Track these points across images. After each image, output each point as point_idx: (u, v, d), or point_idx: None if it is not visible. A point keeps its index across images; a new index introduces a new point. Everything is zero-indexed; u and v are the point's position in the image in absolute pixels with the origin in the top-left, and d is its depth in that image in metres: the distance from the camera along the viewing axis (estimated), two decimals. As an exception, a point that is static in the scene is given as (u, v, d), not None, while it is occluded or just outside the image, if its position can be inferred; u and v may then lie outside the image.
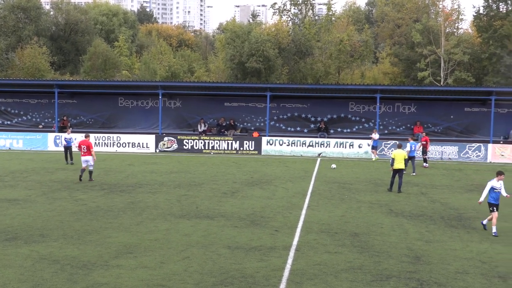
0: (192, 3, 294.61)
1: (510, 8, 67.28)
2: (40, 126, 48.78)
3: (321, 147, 43.64)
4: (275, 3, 76.04)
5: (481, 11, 68.99)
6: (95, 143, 42.84)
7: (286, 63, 68.18)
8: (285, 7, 75.51)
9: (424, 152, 37.58)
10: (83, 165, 28.32)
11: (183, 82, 58.86)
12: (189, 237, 16.83)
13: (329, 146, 43.56)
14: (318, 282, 13.00)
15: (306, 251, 15.53)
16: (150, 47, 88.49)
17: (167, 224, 18.50)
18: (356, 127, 47.17)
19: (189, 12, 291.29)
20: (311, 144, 43.76)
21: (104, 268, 13.72)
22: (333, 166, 35.65)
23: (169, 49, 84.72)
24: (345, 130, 47.17)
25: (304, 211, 21.14)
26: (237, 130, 46.97)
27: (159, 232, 17.37)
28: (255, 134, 45.74)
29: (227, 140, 44.20)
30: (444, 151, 42.60)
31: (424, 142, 37.65)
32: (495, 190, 18.21)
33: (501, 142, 44.21)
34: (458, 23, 72.46)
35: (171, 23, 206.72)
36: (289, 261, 14.56)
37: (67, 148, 35.71)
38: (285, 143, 43.85)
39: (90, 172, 28.38)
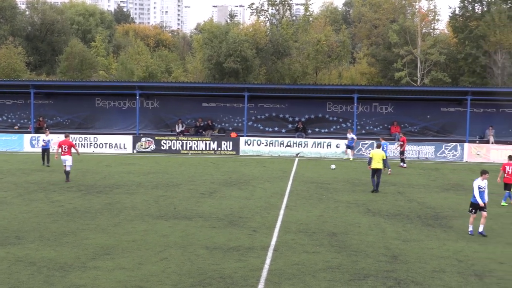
0: (170, 3, 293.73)
1: (485, 9, 67.98)
2: (16, 127, 48.30)
3: (299, 147, 43.74)
4: (252, 4, 75.96)
5: (457, 12, 69.62)
6: (72, 144, 42.49)
7: (263, 63, 68.18)
8: (262, 8, 75.55)
9: (401, 152, 37.90)
10: (63, 163, 28.43)
11: (161, 82, 58.64)
12: (167, 238, 16.78)
13: (307, 146, 43.68)
14: (296, 282, 13.03)
15: (284, 251, 15.56)
16: (127, 47, 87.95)
17: (145, 225, 18.42)
18: (334, 127, 47.35)
19: (166, 12, 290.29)
20: (289, 144, 43.84)
21: (81, 269, 13.63)
22: (333, 166, 35.69)
23: (146, 49, 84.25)
24: (322, 130, 47.34)
25: (282, 211, 21.16)
26: (215, 131, 46.92)
27: (137, 233, 17.30)
28: (233, 135, 45.71)
29: (205, 140, 44.12)
30: (420, 151, 42.91)
31: (401, 143, 37.97)
32: (480, 190, 18.09)
33: (477, 142, 44.64)
34: (435, 23, 73.00)
35: (148, 23, 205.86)
36: (267, 261, 14.58)
37: (45, 150, 35.38)
38: (263, 143, 43.89)
39: (67, 173, 28.22)
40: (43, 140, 36.02)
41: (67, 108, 48.70)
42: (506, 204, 23.48)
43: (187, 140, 44.18)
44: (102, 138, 44.52)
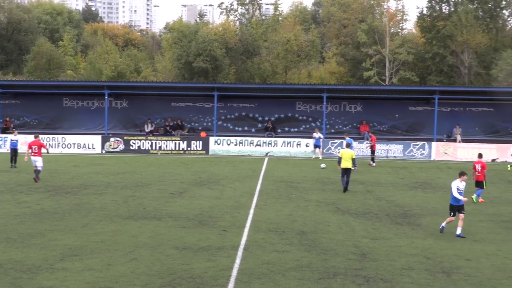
0: (138, 2, 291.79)
1: (452, 9, 68.79)
2: (-18, 128, 47.62)
3: (268, 146, 43.80)
4: (222, 3, 75.98)
5: (424, 12, 70.37)
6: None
7: (233, 63, 68.16)
8: (232, 7, 75.59)
9: (372, 151, 38.13)
10: (33, 164, 28.32)
11: (130, 82, 58.29)
12: (137, 238, 16.69)
13: (276, 146, 43.76)
14: (266, 281, 13.04)
15: (254, 251, 15.57)
16: (96, 47, 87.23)
17: (114, 226, 18.30)
18: (303, 126, 47.52)
19: (135, 11, 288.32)
20: (258, 143, 43.88)
21: (49, 271, 13.49)
22: (323, 165, 35.77)
23: (115, 48, 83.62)
24: (292, 130, 47.48)
25: (252, 211, 21.18)
26: (184, 130, 46.77)
27: (106, 234, 17.17)
28: (203, 134, 45.61)
29: (175, 140, 43.95)
30: (389, 150, 43.25)
31: (372, 142, 38.19)
32: (459, 191, 17.89)
33: (445, 140, 45.19)
34: (403, 23, 73.67)
35: (117, 22, 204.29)
36: (237, 260, 14.57)
37: (14, 150, 34.89)
38: (232, 142, 43.85)
39: (38, 172, 28.06)
40: (11, 140, 35.55)
41: (34, 108, 48.12)
42: (475, 201, 23.82)
43: (156, 140, 43.97)
44: (70, 138, 44.08)
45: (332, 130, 46.68)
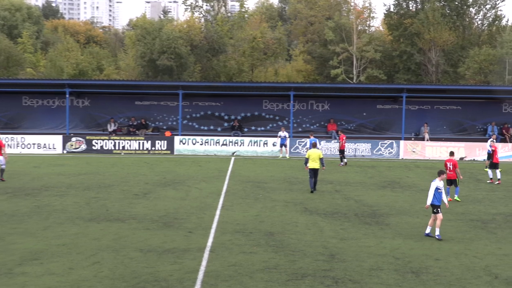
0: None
1: (419, 7, 69.50)
2: None
3: (235, 146, 43.76)
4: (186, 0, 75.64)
5: (391, 10, 70.92)
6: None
7: (198, 61, 67.93)
8: (197, 3, 75.27)
9: (341, 150, 38.14)
10: None
11: (92, 80, 57.77)
12: (99, 241, 16.51)
13: (243, 145, 43.73)
14: (233, 283, 12.99)
15: (221, 252, 15.51)
16: (56, 44, 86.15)
17: (76, 228, 18.08)
18: (270, 125, 47.57)
19: (97, 7, 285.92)
20: (224, 143, 43.80)
21: (8, 276, 13.25)
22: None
23: (76, 46, 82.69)
24: (259, 129, 47.50)
25: (218, 212, 21.12)
26: (148, 130, 46.49)
27: (67, 237, 16.95)
28: (167, 134, 45.38)
29: (138, 140, 43.65)
30: (357, 148, 43.52)
31: (342, 141, 38.25)
32: (438, 191, 17.78)
33: (413, 139, 45.64)
34: (370, 21, 74.19)
35: (79, 19, 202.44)
36: (204, 263, 14.50)
37: None
38: (198, 142, 43.71)
39: (2, 171, 27.81)
40: None
41: (-8, 107, 47.41)
42: (459, 200, 24.13)
43: (119, 139, 43.61)
44: (30, 138, 43.49)
45: (300, 129, 46.82)
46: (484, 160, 39.82)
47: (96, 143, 43.38)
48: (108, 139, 43.57)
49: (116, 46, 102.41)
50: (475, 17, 72.35)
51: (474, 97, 46.76)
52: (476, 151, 42.47)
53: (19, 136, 43.53)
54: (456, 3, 68.87)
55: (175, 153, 43.31)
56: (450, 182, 24.27)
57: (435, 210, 17.72)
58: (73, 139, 43.48)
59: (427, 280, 13.53)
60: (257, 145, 43.70)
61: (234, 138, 44.22)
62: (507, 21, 74.65)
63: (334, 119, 46.86)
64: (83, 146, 43.32)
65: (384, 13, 72.20)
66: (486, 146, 37.10)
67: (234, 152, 43.43)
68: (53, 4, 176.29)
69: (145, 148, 43.48)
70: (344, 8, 75.80)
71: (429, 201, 17.74)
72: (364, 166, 37.52)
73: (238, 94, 47.21)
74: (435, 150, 43.00)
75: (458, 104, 47.67)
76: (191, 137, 44.03)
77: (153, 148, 43.47)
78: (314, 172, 26.13)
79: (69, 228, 18.15)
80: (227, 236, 17.32)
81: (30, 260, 14.54)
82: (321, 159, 26.14)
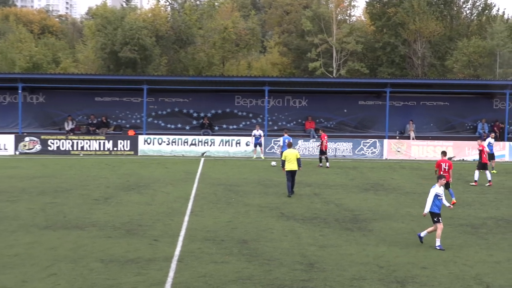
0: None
1: (404, -5, 69.95)
2: None
3: (204, 145, 43.69)
4: (151, -14, 75.40)
5: (374, -3, 71.35)
6: None
7: (164, 53, 67.71)
8: (162, -10, 74.99)
9: (322, 151, 38.06)
10: None
11: (47, 74, 57.29)
12: (56, 251, 16.39)
13: (213, 145, 43.69)
14: (203, 296, 12.97)
15: (190, 262, 15.47)
16: (8, 34, 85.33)
17: (30, 237, 17.93)
18: (243, 123, 47.61)
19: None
20: (193, 142, 43.73)
21: (-46, 290, 13.12)
22: (273, 163, 36.14)
23: (30, 36, 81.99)
24: (231, 127, 47.53)
25: (187, 218, 21.09)
26: (110, 128, 46.28)
27: (20, 246, 16.81)
28: (131, 133, 45.20)
29: (99, 139, 43.42)
30: (337, 148, 43.70)
31: (323, 141, 38.23)
32: (438, 198, 17.65)
33: (397, 138, 45.93)
34: (351, 10, 74.64)
35: (32, 7, 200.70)
36: (171, 273, 14.46)
37: None
38: (164, 142, 43.59)
39: None
40: None
41: None
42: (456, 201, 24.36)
43: (78, 139, 43.34)
44: (-21, 138, 43.14)
45: (275, 127, 46.87)
46: (474, 160, 40.14)
47: (52, 143, 43.06)
48: (65, 139, 43.27)
49: (74, 37, 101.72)
50: (464, 6, 73.07)
51: (463, 92, 47.21)
52: (466, 151, 42.88)
53: (-34, 136, 43.16)
54: (443, -10, 69.48)
55: (139, 154, 43.16)
56: (447, 185, 24.08)
57: (435, 219, 17.60)
58: (27, 139, 43.14)
59: (413, 290, 13.63)
60: (229, 145, 43.68)
61: (203, 138, 44.16)
62: (497, 11, 75.27)
63: (312, 117, 47.01)
64: (38, 147, 42.99)
65: (366, 2, 72.58)
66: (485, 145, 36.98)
67: (204, 153, 43.38)
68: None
69: (106, 149, 43.26)
70: (323, -5, 76.03)
71: (427, 209, 17.60)
72: (345, 167, 37.67)
73: (208, 89, 47.14)
74: (421, 150, 43.35)
75: (446, 99, 48.12)
76: (157, 137, 43.89)
77: (115, 149, 43.27)
78: (292, 174, 26.12)
79: (22, 236, 18.00)
80: (197, 244, 17.28)
81: (-21, 272, 14.40)
82: (298, 160, 26.15)
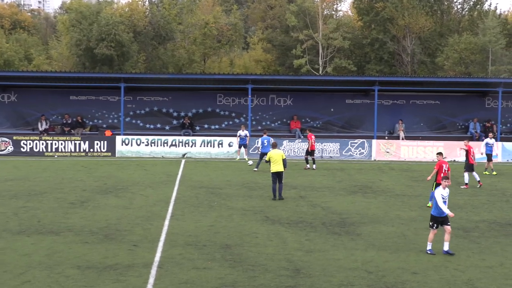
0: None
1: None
2: None
3: (185, 146, 43.66)
4: (128, -21, 75.17)
5: (361, -8, 71.60)
6: None
7: (143, 49, 67.59)
8: (140, -16, 74.83)
9: (309, 152, 38.01)
10: None
11: (19, 71, 56.91)
12: (30, 257, 16.34)
13: (195, 146, 43.66)
14: (185, 303, 13.00)
15: (171, 268, 15.48)
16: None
17: (2, 243, 17.87)
18: (226, 122, 47.60)
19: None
20: (174, 143, 43.68)
21: None
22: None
23: (0, 32, 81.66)
24: (213, 127, 47.50)
25: (167, 222, 21.08)
26: (85, 129, 46.13)
27: (-8, 253, 16.77)
28: (108, 133, 45.07)
29: (74, 140, 43.28)
30: (324, 149, 43.78)
31: (311, 141, 38.20)
32: (443, 199, 17.61)
33: (386, 138, 46.03)
34: (337, 4, 74.94)
35: (2, 0, 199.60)
36: (151, 280, 14.47)
37: None
38: (143, 142, 43.52)
39: None
40: None
41: None
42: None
43: (52, 140, 43.18)
44: None
45: (259, 127, 46.80)
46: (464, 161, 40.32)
47: (25, 144, 42.88)
48: (39, 140, 43.10)
49: (47, 33, 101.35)
50: (455, 0, 73.51)
51: (454, 90, 47.46)
52: (457, 151, 43.02)
53: None
54: (433, -15, 69.86)
55: (116, 155, 43.06)
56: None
57: (431, 224, 17.75)
58: (-2, 139, 43.01)
59: (403, 297, 13.72)
60: (210, 146, 43.67)
61: (184, 138, 44.13)
62: (489, 6, 76.06)
63: (297, 116, 47.08)
64: (10, 148, 42.79)
65: (353, -4, 72.84)
66: (482, 145, 37.07)
67: (185, 154, 43.35)
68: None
69: (82, 150, 43.12)
70: (308, -11, 76.22)
71: (447, 210, 17.40)
72: (332, 168, 37.76)
73: (188, 87, 47.11)
74: (411, 150, 43.53)
75: (437, 98, 48.35)
76: (135, 137, 43.80)
77: (91, 150, 43.14)
78: (278, 176, 26.01)
79: (-6, 242, 17.96)
80: (178, 250, 17.29)
81: (-51, 280, 14.35)
82: (284, 160, 26.13)
